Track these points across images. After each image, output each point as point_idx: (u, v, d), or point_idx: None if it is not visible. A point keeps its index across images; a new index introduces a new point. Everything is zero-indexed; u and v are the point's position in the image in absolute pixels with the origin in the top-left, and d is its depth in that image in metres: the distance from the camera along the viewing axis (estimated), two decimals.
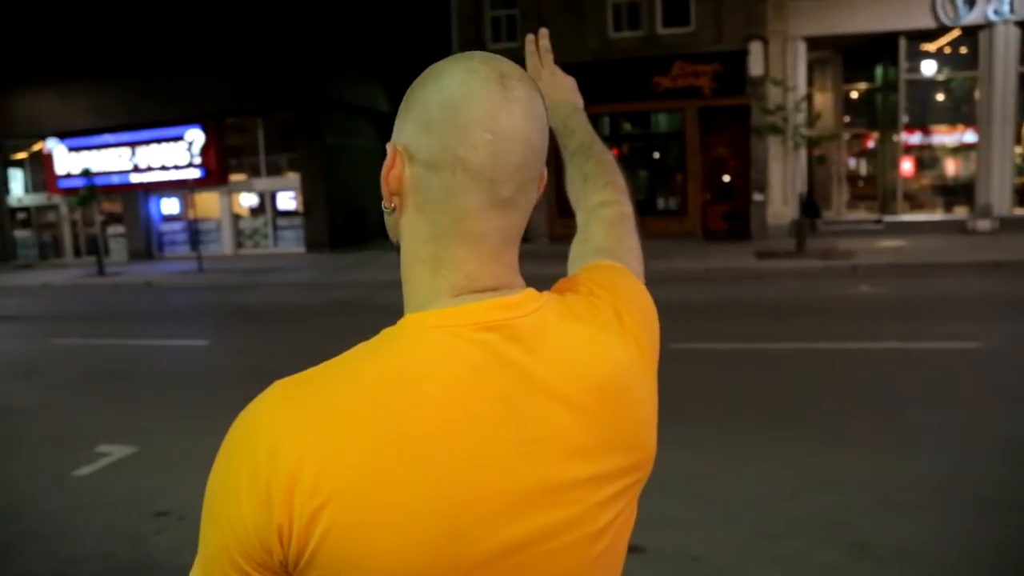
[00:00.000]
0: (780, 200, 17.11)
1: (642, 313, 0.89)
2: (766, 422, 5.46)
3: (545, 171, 0.79)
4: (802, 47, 16.71)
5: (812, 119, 15.40)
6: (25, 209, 27.14)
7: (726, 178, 18.08)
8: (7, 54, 24.96)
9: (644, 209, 18.45)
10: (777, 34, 16.51)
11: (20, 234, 27.38)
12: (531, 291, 0.79)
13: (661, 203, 18.62)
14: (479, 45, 18.75)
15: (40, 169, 25.79)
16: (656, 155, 18.78)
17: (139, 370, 8.64)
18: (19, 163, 26.85)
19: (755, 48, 16.46)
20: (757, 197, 17.19)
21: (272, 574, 0.67)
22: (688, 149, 17.86)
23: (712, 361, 7.30)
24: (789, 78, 15.65)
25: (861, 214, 18.39)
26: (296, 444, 0.65)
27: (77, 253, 25.93)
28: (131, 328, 11.94)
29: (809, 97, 16.56)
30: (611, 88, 17.81)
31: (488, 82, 0.73)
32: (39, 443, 6.04)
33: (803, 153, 16.11)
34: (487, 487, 0.68)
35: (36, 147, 25.60)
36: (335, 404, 0.67)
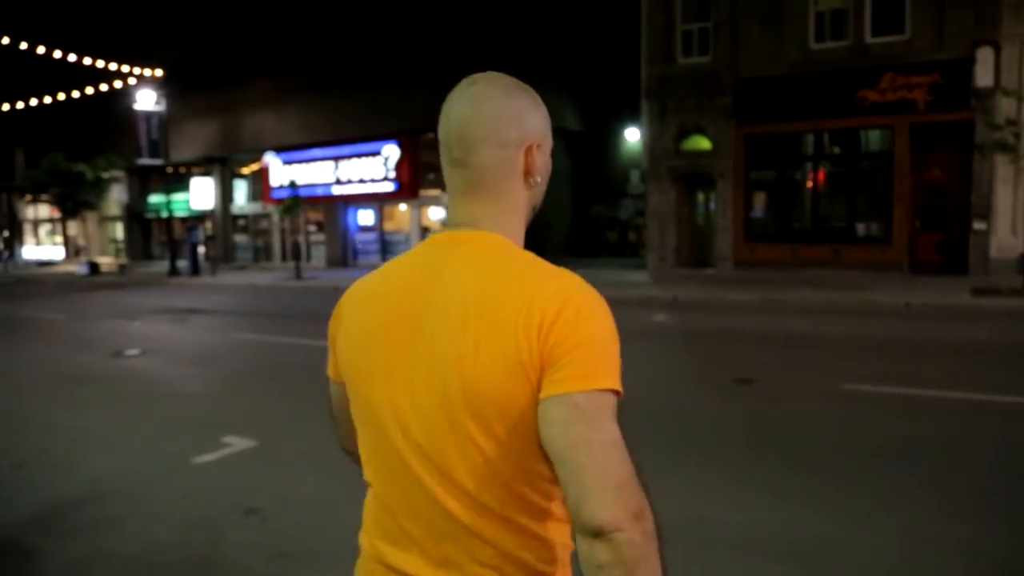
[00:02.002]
0: (1007, 230, 14.78)
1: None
2: (943, 487, 4.40)
3: (519, 140, 1.14)
4: None
5: None
6: (244, 217, 30.05)
7: (941, 203, 15.94)
8: (237, 76, 27.81)
9: (842, 236, 16.76)
10: (1013, 38, 14.34)
11: (239, 239, 30.34)
12: (484, 233, 1.14)
13: (862, 229, 16.79)
14: (669, 60, 18.11)
15: (259, 181, 28.45)
16: (859, 176, 16.95)
17: (295, 368, 8.90)
18: (243, 176, 29.77)
19: (984, 55, 14.40)
20: (978, 226, 14.98)
21: None
22: (897, 170, 15.98)
23: (893, 408, 6.17)
24: None
25: None
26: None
27: (284, 258, 28.20)
28: (306, 327, 12.50)
29: None
30: (811, 103, 16.43)
31: (460, 85, 1.17)
32: (178, 427, 6.26)
33: None
34: (372, 323, 1.14)
35: (255, 165, 28.23)
36: (363, 279, 1.23)
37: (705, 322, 11.51)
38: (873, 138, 16.65)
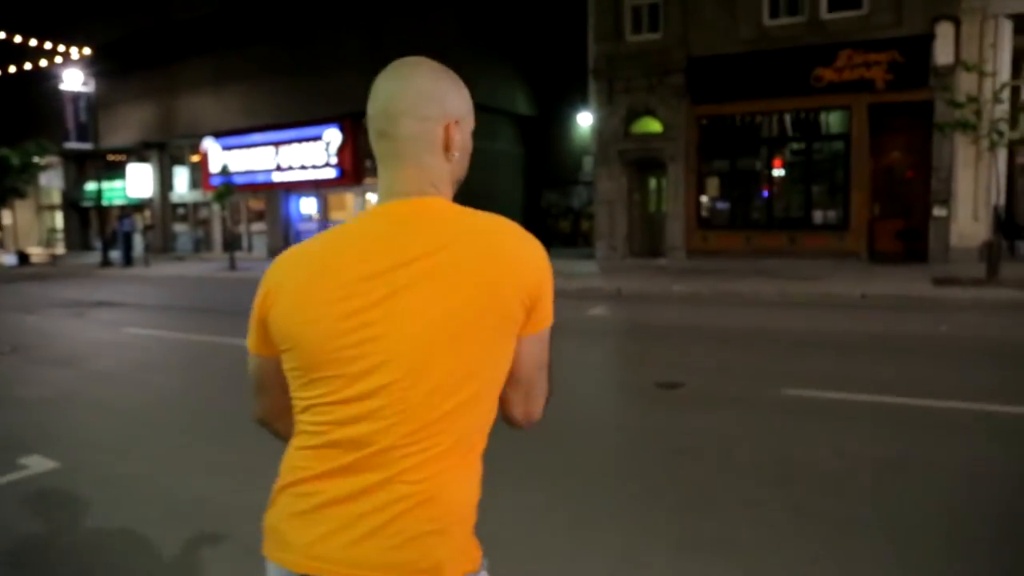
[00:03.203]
0: (969, 216, 14.05)
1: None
2: (899, 526, 3.44)
3: (438, 116, 1.25)
4: (1006, 27, 13.64)
5: (1016, 115, 12.34)
6: (184, 205, 28.56)
7: (901, 188, 15.18)
8: (174, 58, 26.33)
9: (798, 224, 15.95)
10: (973, 12, 13.58)
11: (179, 228, 28.86)
12: (432, 198, 1.24)
13: (819, 216, 15.98)
14: (618, 37, 17.14)
15: (201, 168, 26.99)
16: (816, 159, 16.13)
17: (170, 367, 7.78)
18: (184, 163, 28.27)
19: (944, 30, 13.62)
20: (939, 212, 14.23)
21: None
22: (854, 153, 15.17)
23: (840, 416, 5.24)
24: (987, 64, 12.73)
25: None
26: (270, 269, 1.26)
27: (225, 248, 26.82)
28: (208, 322, 11.36)
29: (1015, 89, 13.45)
30: (765, 83, 15.56)
31: (389, 67, 1.28)
32: None
33: (1002, 157, 13.02)
34: (338, 287, 1.16)
35: (199, 154, 26.79)
36: (296, 250, 1.26)
37: (644, 316, 10.56)
38: (830, 119, 15.82)
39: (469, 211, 1.22)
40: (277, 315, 1.20)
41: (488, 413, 1.21)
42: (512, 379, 1.23)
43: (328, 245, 1.22)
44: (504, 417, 1.28)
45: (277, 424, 1.35)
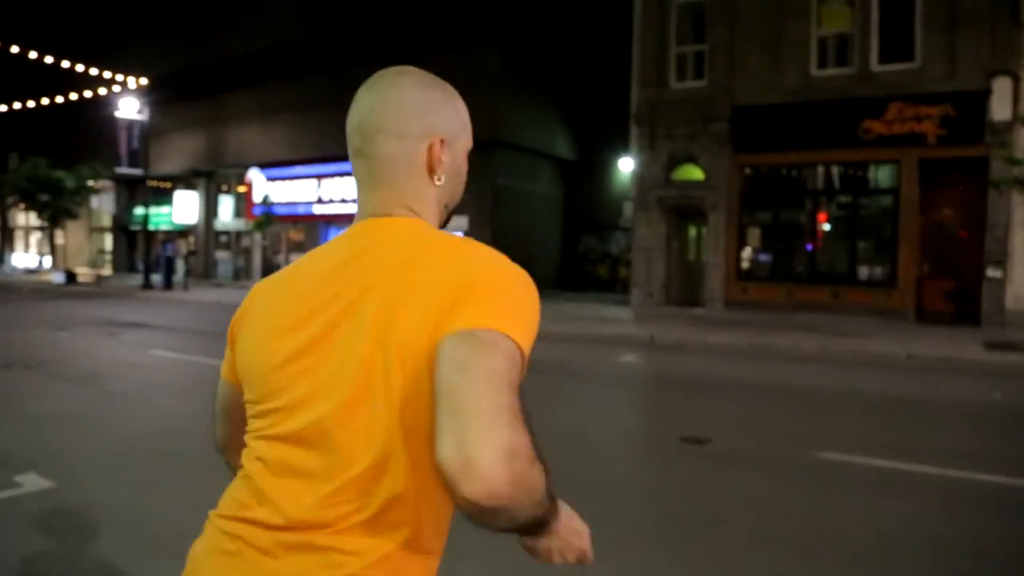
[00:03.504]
0: None
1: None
2: None
3: (420, 133, 1.10)
4: None
5: None
6: (227, 233, 29.01)
7: (951, 247, 14.62)
8: (224, 89, 27.01)
9: (842, 279, 15.44)
10: None
11: (221, 255, 29.28)
12: (402, 218, 1.10)
13: (864, 272, 15.44)
14: (661, 83, 17.03)
15: (244, 197, 27.46)
16: (862, 213, 15.66)
17: (179, 391, 7.65)
18: (229, 192, 28.79)
19: (1001, 85, 13.19)
20: (993, 273, 13.63)
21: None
22: (903, 208, 14.68)
23: (877, 486, 4.83)
24: None
25: None
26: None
27: (264, 275, 27.06)
28: None
29: None
30: (812, 134, 15.24)
31: (372, 77, 1.14)
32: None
33: None
34: (286, 315, 1.07)
35: (242, 185, 27.29)
36: (272, 275, 1.19)
37: (677, 366, 10.18)
38: (878, 173, 15.38)
39: (435, 233, 1.08)
40: (241, 341, 1.14)
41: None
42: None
43: (292, 269, 1.14)
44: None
45: (231, 456, 1.24)
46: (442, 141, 1.11)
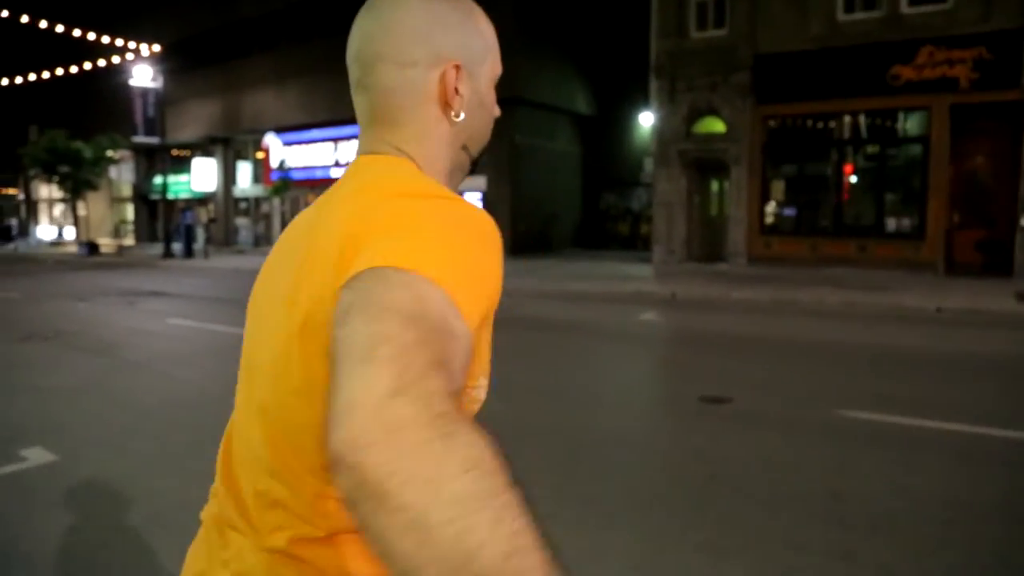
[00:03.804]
0: None
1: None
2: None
3: (428, 58, 0.89)
4: None
5: None
6: (247, 200, 28.99)
7: (983, 196, 14.12)
8: (238, 54, 26.74)
9: (869, 231, 15.02)
10: None
11: (240, 222, 29.31)
12: (369, 157, 0.91)
13: (892, 224, 15.01)
14: (681, 33, 16.51)
15: (262, 163, 27.36)
16: (890, 164, 15.17)
17: (198, 360, 7.60)
18: (248, 158, 28.70)
19: None
20: None
21: None
22: (933, 157, 14.18)
23: (903, 445, 4.64)
24: None
25: None
26: None
27: None
28: None
29: None
30: (838, 82, 14.71)
31: None
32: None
33: None
34: (253, 300, 0.93)
35: (260, 151, 27.16)
36: None
37: (698, 323, 9.97)
38: (907, 121, 14.84)
39: (388, 174, 0.87)
40: None
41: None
42: None
43: (281, 236, 0.99)
44: None
45: None
46: (457, 68, 0.91)
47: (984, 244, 13.95)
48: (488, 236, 0.78)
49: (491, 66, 0.96)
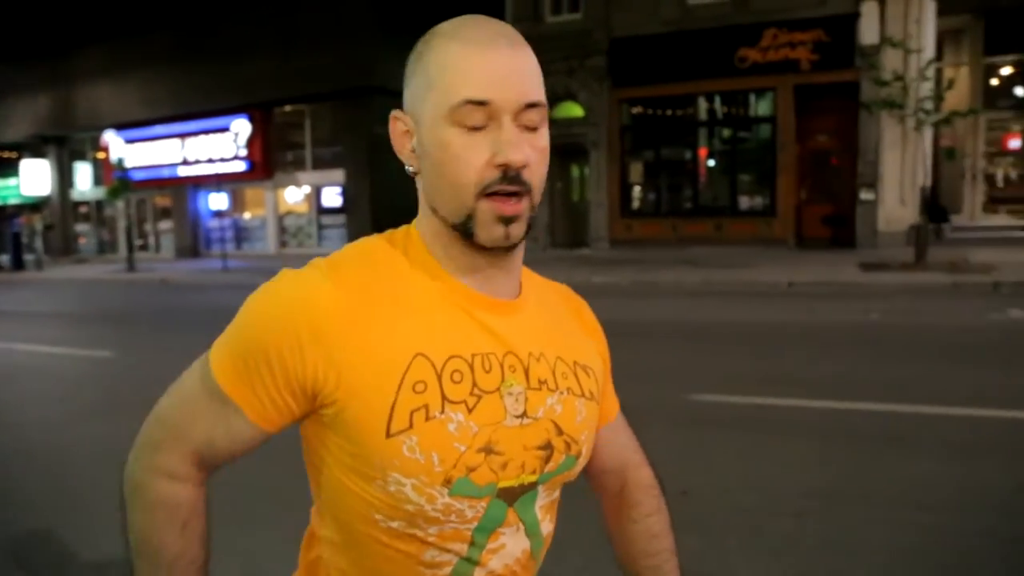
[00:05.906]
0: (895, 200, 13.65)
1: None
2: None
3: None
4: (931, 7, 13.26)
5: (941, 93, 11.91)
6: (87, 203, 26.63)
7: (827, 172, 14.72)
8: (68, 45, 24.47)
9: (724, 211, 15.38)
10: None
11: (81, 228, 26.91)
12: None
13: (745, 202, 15.43)
14: (537, 18, 16.29)
15: (104, 163, 25.17)
16: (740, 144, 15.57)
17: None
18: (86, 158, 26.35)
19: (869, 9, 13.14)
20: (866, 196, 13.80)
21: None
22: (781, 136, 14.64)
23: (756, 427, 4.44)
24: (911, 40, 12.28)
25: (1002, 219, 14.64)
26: None
27: (131, 248, 25.10)
28: (59, 331, 10.09)
29: (938, 70, 13.07)
30: (688, 64, 14.92)
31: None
32: None
33: (927, 138, 12.60)
34: None
35: (100, 150, 24.99)
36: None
37: None
38: (757, 103, 15.28)
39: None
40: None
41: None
42: None
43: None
44: None
45: None
46: (396, 118, 0.85)
47: (830, 218, 14.55)
48: (256, 303, 0.81)
49: (433, 103, 0.79)
